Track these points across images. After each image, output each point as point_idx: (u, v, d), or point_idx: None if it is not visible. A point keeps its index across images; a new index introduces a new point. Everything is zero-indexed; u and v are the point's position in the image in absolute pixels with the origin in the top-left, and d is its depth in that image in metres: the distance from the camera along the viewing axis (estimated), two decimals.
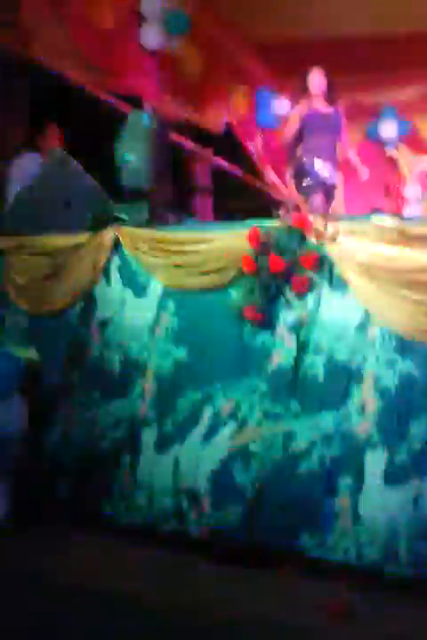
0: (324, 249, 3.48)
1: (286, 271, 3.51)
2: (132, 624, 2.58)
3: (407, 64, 6.26)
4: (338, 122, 5.31)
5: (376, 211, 6.58)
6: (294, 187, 5.34)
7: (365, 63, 6.50)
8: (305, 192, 5.15)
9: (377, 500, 3.04)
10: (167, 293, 3.79)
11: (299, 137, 5.22)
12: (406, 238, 3.33)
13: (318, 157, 5.09)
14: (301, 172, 5.21)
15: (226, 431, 3.40)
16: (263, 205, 7.26)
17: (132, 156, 4.19)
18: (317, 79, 5.20)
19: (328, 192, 5.26)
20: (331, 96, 5.27)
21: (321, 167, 5.11)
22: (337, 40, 6.20)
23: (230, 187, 6.99)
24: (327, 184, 5.21)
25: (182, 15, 5.49)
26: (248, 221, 3.74)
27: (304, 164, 5.15)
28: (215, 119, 6.45)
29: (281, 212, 6.95)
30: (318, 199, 6.52)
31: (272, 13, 5.96)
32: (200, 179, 6.67)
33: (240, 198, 7.30)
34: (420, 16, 5.62)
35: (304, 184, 5.15)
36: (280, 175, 7.10)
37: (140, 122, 4.37)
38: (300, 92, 5.26)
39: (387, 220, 3.60)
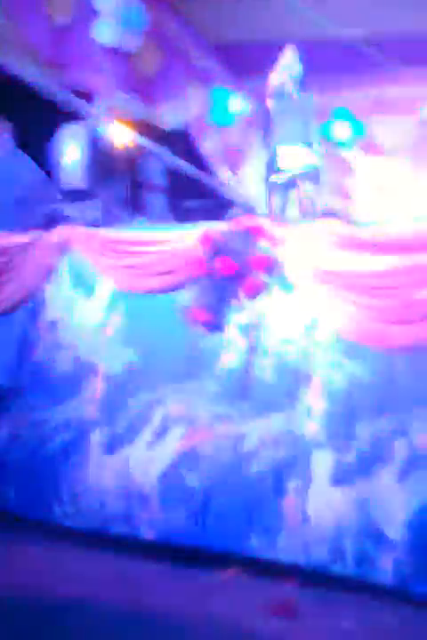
0: (274, 252, 3.51)
1: (236, 274, 3.53)
2: (78, 628, 2.56)
3: (362, 67, 6.37)
4: (310, 104, 4.93)
5: (330, 211, 6.69)
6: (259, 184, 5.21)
7: (319, 65, 6.58)
8: (268, 189, 4.91)
9: (324, 501, 3.09)
10: (118, 294, 3.77)
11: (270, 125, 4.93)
12: (355, 243, 3.39)
13: (285, 144, 4.75)
14: (268, 166, 4.92)
15: (176, 433, 3.40)
16: (218, 204, 7.30)
17: (68, 156, 4.13)
18: (288, 58, 4.96)
19: (309, 177, 4.74)
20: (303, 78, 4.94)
21: (287, 155, 4.72)
22: (293, 42, 6.26)
23: (185, 185, 6.97)
24: (301, 173, 4.72)
25: (138, 11, 5.44)
26: (200, 224, 3.75)
27: (271, 156, 4.84)
28: (170, 117, 6.41)
29: (235, 212, 7.02)
30: (275, 200, 6.54)
31: (229, 14, 5.98)
32: (154, 176, 6.62)
33: (195, 197, 7.31)
34: (374, 19, 5.71)
35: (269, 180, 4.88)
36: (235, 173, 7.15)
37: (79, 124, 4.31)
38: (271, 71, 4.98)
39: (337, 225, 3.67)
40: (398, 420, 3.08)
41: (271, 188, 4.79)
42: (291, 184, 4.68)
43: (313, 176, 4.76)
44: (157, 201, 6.78)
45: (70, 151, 4.11)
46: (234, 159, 7.17)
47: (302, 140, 4.69)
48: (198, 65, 6.60)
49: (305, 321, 3.40)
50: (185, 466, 3.31)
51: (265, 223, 3.59)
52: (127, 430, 3.47)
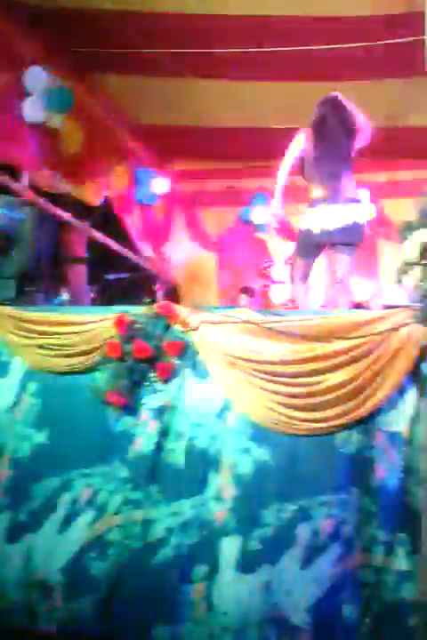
0: (188, 337, 3.60)
1: (151, 357, 3.59)
2: None
3: (277, 155, 6.74)
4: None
5: (246, 289, 6.94)
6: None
7: (237, 153, 6.93)
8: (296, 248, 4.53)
9: (230, 588, 3.10)
10: (30, 374, 3.73)
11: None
12: (264, 331, 3.52)
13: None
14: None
15: (83, 519, 3.35)
16: (140, 279, 7.42)
17: None
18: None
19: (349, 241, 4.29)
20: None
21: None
22: (214, 129, 6.58)
23: (107, 258, 7.06)
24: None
25: (66, 93, 5.60)
26: (116, 307, 3.80)
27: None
28: (94, 193, 6.53)
29: (157, 287, 7.14)
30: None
31: (155, 98, 6.22)
32: (75, 249, 6.67)
33: (117, 271, 7.39)
34: (286, 111, 6.08)
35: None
36: (156, 250, 7.32)
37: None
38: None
39: (248, 313, 3.82)
40: (302, 506, 3.16)
41: (299, 248, 4.47)
42: (319, 247, 4.35)
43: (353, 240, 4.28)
44: (78, 272, 6.81)
45: None
46: (157, 237, 7.35)
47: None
48: (122, 145, 6.80)
49: (216, 405, 3.48)
50: (92, 554, 3.26)
51: (179, 309, 3.68)
52: (32, 517, 3.39)
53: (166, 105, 6.34)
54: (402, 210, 6.36)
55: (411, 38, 4.60)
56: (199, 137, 6.73)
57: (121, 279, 7.58)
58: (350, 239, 4.29)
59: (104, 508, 3.37)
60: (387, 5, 4.70)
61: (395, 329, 3.22)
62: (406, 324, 3.17)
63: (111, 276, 8.05)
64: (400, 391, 3.20)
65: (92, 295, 7.34)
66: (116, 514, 3.34)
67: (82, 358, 3.70)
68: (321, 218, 4.28)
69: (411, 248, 2.82)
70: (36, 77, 5.35)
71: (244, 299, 6.73)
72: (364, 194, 6.96)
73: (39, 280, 4.58)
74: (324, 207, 4.27)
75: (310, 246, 4.41)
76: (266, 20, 4.98)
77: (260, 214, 7.37)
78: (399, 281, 2.89)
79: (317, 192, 4.36)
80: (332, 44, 5.13)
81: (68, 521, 3.36)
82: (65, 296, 6.96)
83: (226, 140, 6.67)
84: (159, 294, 6.78)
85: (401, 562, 3.02)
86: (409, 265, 2.81)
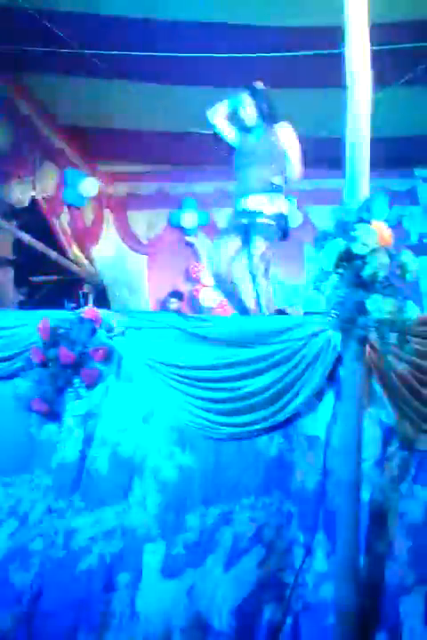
0: (113, 342, 3.58)
1: (75, 363, 3.55)
2: None
3: (206, 162, 6.81)
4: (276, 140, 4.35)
5: (175, 293, 6.95)
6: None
7: (167, 156, 6.94)
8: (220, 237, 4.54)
9: (154, 595, 3.12)
10: None
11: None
12: (188, 335, 3.56)
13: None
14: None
15: (5, 529, 3.28)
16: (68, 281, 7.31)
17: None
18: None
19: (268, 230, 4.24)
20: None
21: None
22: (145, 133, 6.56)
23: (35, 261, 6.91)
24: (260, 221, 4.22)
25: None
26: (39, 311, 3.74)
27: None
28: (21, 194, 6.39)
29: (84, 291, 7.05)
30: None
31: (85, 99, 6.15)
32: (2, 251, 6.50)
33: (45, 273, 7.25)
34: None
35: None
36: (83, 251, 7.23)
37: None
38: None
39: (172, 317, 3.85)
40: (225, 510, 3.21)
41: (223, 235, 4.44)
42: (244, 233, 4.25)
43: (273, 229, 4.24)
44: (4, 274, 6.65)
45: None
46: (85, 238, 7.26)
47: (266, 186, 4.24)
48: (51, 145, 6.68)
49: (141, 410, 3.48)
50: (13, 564, 3.20)
51: (104, 313, 3.66)
52: None
53: (96, 107, 6.27)
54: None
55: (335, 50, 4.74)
56: (129, 140, 6.69)
57: (49, 281, 7.45)
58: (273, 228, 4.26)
59: (26, 517, 3.31)
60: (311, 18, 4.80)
61: (314, 335, 3.33)
62: (324, 330, 3.28)
63: (38, 278, 7.91)
64: (319, 395, 3.30)
65: (21, 298, 7.18)
66: (38, 523, 3.29)
67: (4, 364, 3.63)
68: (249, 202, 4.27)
69: (328, 256, 2.91)
70: None
71: (173, 302, 6.74)
72: (292, 200, 7.13)
73: None
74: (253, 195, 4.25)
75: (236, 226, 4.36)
76: (199, 24, 5.01)
77: (189, 218, 7.42)
78: (317, 288, 2.98)
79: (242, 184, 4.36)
80: (262, 52, 5.21)
81: None
82: None
83: (156, 144, 6.67)
84: (88, 298, 6.69)
85: (320, 563, 3.11)
86: (325, 273, 2.90)
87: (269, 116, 4.39)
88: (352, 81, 3.05)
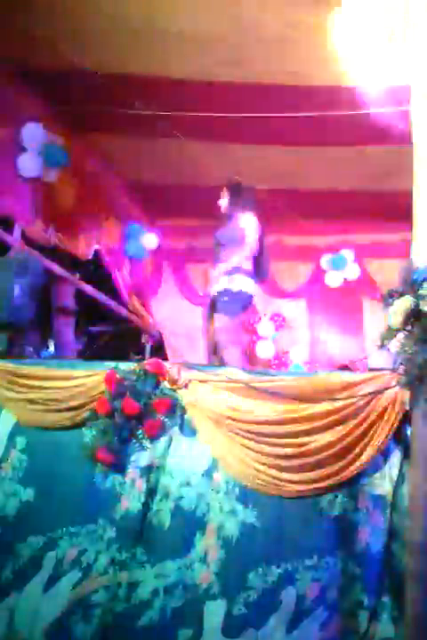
0: (176, 395, 3.63)
1: (139, 414, 3.61)
2: None
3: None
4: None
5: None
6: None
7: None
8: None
9: None
10: (18, 429, 3.74)
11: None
12: (251, 390, 3.57)
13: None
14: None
15: (68, 579, 3.32)
16: (125, 331, 7.47)
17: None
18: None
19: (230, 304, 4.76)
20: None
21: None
22: (202, 188, 6.74)
23: (95, 310, 7.11)
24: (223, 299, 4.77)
25: (61, 150, 5.75)
26: (106, 363, 3.83)
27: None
28: (85, 246, 6.63)
29: (144, 340, 7.18)
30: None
31: (146, 156, 6.39)
32: (63, 299, 6.72)
33: (104, 322, 7.44)
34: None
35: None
36: (144, 304, 7.39)
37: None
38: None
39: (236, 372, 3.87)
40: (287, 569, 3.16)
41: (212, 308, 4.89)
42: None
43: (236, 304, 4.77)
44: (66, 323, 6.85)
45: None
46: (144, 290, 7.43)
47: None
48: (114, 200, 6.93)
49: (203, 465, 3.49)
50: (76, 615, 3.22)
51: (168, 366, 3.73)
52: (16, 576, 3.35)
53: (156, 164, 6.50)
54: (388, 271, 6.51)
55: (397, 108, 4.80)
56: (187, 194, 6.88)
57: (106, 332, 7.62)
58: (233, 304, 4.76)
59: (89, 568, 3.34)
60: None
61: (380, 392, 3.30)
62: (391, 387, 3.24)
63: (96, 329, 8.11)
64: (385, 454, 3.25)
65: (80, 346, 7.37)
66: (101, 575, 3.31)
67: (71, 413, 3.72)
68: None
69: (395, 314, 2.91)
70: (33, 133, 5.50)
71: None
72: (348, 253, 7.15)
73: (27, 332, 4.61)
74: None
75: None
76: (256, 85, 5.17)
77: None
78: (383, 345, 2.97)
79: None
80: (323, 110, 5.32)
81: (52, 581, 3.32)
82: (51, 348, 6.99)
83: (213, 199, 6.83)
84: (147, 348, 6.80)
85: (385, 627, 3.02)
86: (393, 331, 2.89)
87: (240, 207, 5.00)
88: (419, 136, 3.11)
